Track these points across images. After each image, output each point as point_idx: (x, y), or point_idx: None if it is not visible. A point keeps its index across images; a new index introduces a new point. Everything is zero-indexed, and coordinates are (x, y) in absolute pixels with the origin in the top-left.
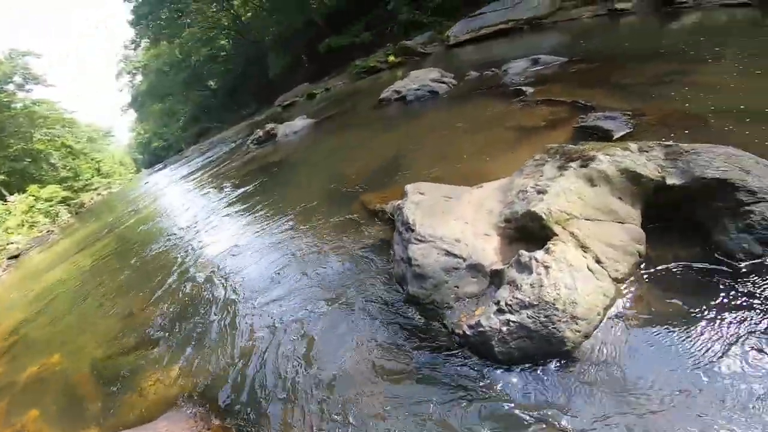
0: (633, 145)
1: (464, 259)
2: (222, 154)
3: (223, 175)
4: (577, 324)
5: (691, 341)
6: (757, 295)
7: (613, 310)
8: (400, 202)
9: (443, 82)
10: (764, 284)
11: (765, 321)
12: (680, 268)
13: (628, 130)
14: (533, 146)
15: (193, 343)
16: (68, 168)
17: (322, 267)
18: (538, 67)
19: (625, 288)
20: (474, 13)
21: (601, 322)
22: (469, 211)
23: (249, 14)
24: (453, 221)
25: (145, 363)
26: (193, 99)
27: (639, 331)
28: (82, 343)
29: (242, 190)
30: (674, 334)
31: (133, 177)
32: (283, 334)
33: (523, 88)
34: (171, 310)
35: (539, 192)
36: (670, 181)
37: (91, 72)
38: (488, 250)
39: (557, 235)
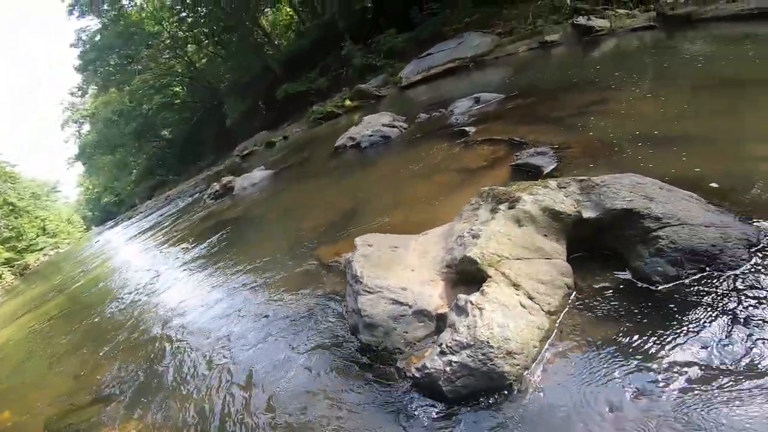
0: (553, 183)
1: (410, 306)
2: (178, 209)
3: (178, 232)
4: (514, 358)
5: (622, 364)
6: (678, 314)
7: (550, 341)
8: (350, 254)
9: (395, 126)
10: (683, 303)
11: (686, 339)
12: (607, 295)
13: (555, 165)
14: (476, 187)
15: (147, 398)
16: (10, 227)
17: (278, 320)
18: (480, 106)
19: (559, 320)
20: (423, 54)
21: (539, 353)
22: (415, 258)
23: (203, 60)
24: (400, 270)
25: (100, 420)
26: (147, 150)
27: (575, 358)
28: (33, 401)
29: (198, 248)
30: (607, 358)
31: (83, 236)
32: (238, 385)
33: (467, 129)
34: (124, 366)
35: (474, 236)
36: (585, 214)
37: (32, 121)
38: (434, 296)
39: (491, 277)
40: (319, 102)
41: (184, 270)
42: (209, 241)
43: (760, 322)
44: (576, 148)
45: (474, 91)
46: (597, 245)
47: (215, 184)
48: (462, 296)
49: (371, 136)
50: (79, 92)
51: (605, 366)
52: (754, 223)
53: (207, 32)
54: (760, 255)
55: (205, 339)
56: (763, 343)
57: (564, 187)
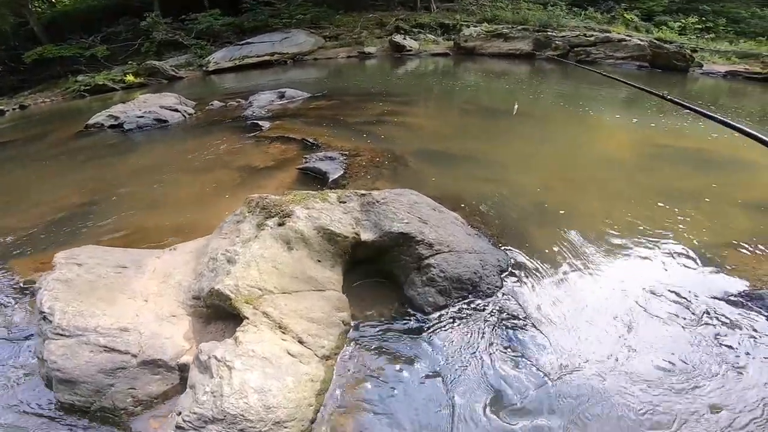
0: (333, 195)
1: (135, 355)
2: None
3: None
4: (285, 428)
5: (405, 400)
6: (447, 342)
7: (329, 393)
8: (43, 277)
9: (177, 111)
10: (450, 330)
11: (454, 365)
12: (385, 328)
13: (342, 172)
14: (259, 190)
15: None
16: None
17: None
18: (284, 101)
19: (336, 363)
20: (242, 42)
21: (317, 411)
22: (152, 284)
23: None
24: (125, 300)
25: None
26: None
27: (359, 406)
28: None
29: None
30: (390, 400)
31: None
32: None
33: (260, 123)
34: None
35: (229, 261)
36: (364, 236)
37: None
38: (175, 337)
39: (249, 319)
40: (91, 73)
41: None
42: None
43: (507, 342)
44: (365, 156)
45: (282, 86)
46: (375, 270)
47: None
48: (205, 347)
49: (141, 117)
50: None
51: (389, 408)
52: (503, 248)
53: None
54: (508, 281)
55: None
56: (509, 357)
57: (344, 202)
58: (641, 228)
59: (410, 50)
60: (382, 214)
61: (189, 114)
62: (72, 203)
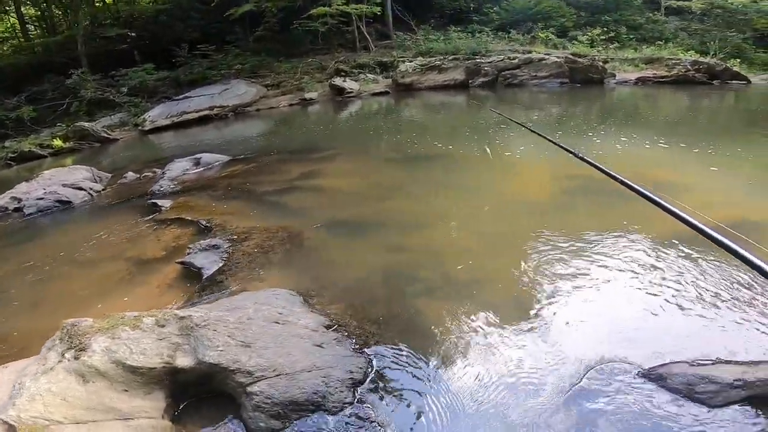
0: (149, 320)
1: None
2: None
3: None
4: None
5: None
6: None
7: None
8: None
9: (82, 188)
10: None
11: None
12: None
13: (221, 265)
14: (143, 288)
15: None
16: None
17: None
18: (199, 169)
19: None
20: (180, 96)
21: None
22: None
23: None
24: None
25: None
26: None
27: None
28: None
29: None
30: None
31: None
32: None
33: (159, 202)
34: None
35: (20, 389)
36: (182, 363)
37: None
38: None
39: None
40: (19, 137)
41: None
42: None
43: None
44: (254, 240)
45: (218, 146)
46: (212, 389)
47: None
48: None
49: (41, 199)
50: None
51: None
52: (366, 352)
53: None
54: (366, 391)
55: None
56: None
57: (163, 326)
58: (561, 289)
59: (351, 92)
60: (199, 340)
61: (95, 191)
62: None
